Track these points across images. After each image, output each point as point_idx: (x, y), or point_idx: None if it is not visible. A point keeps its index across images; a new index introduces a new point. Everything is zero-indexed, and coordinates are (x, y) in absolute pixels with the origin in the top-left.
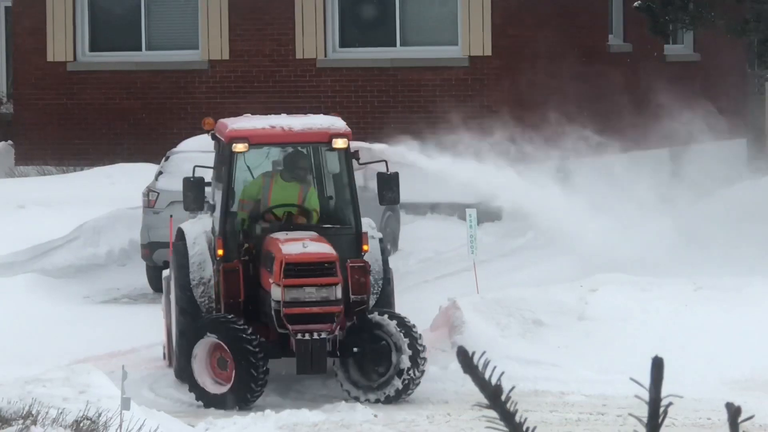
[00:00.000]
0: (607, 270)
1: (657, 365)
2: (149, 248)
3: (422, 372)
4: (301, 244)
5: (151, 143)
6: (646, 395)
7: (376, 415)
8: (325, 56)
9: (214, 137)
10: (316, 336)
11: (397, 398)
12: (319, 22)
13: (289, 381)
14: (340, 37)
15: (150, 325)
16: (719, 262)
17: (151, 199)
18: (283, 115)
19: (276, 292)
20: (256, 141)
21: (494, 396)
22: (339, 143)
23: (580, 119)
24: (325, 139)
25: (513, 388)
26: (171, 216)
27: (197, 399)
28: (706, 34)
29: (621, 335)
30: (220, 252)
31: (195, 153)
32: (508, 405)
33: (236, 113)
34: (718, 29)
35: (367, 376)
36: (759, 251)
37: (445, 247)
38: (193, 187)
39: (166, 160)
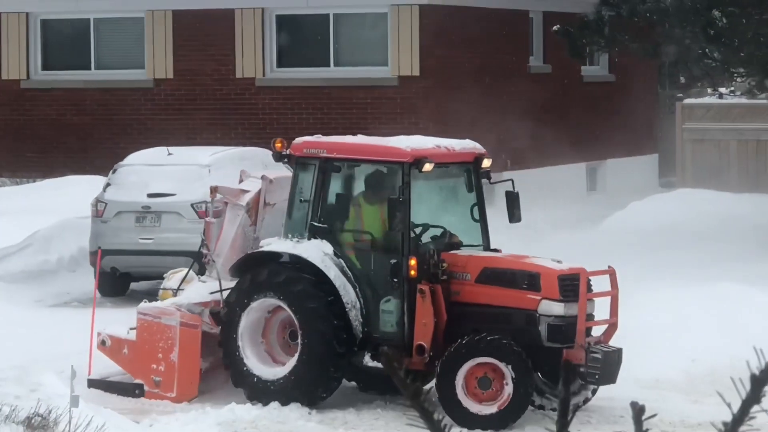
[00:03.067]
0: None
1: (567, 368)
2: (97, 255)
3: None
4: (547, 260)
5: (99, 157)
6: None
7: (310, 412)
8: (264, 75)
9: (281, 158)
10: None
11: (583, 406)
12: (257, 43)
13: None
14: (277, 58)
15: (97, 327)
16: (632, 270)
17: (99, 209)
18: (360, 136)
19: (550, 308)
20: (436, 161)
21: (414, 395)
22: (486, 163)
23: (502, 136)
24: (473, 159)
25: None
26: (99, 248)
27: (456, 421)
28: (621, 56)
29: None
30: (413, 273)
31: (140, 166)
32: (426, 404)
33: (180, 130)
34: (632, 52)
35: (555, 384)
36: (664, 260)
37: None
38: (402, 207)
39: (114, 172)
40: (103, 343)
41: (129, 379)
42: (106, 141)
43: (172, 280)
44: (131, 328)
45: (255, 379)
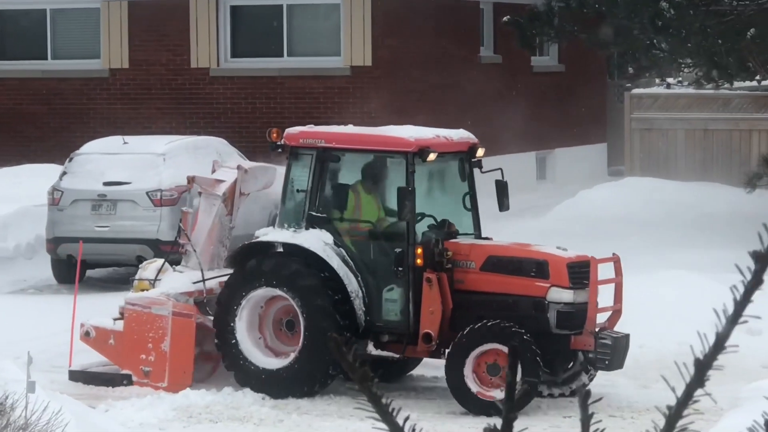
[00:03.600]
0: None
1: (513, 352)
2: (54, 243)
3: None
4: (552, 248)
5: (55, 145)
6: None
7: (264, 398)
8: (218, 66)
9: (276, 147)
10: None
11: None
12: (212, 33)
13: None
14: (231, 48)
15: (54, 314)
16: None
17: (55, 197)
18: (350, 126)
19: (559, 295)
20: (438, 150)
21: (362, 380)
22: (480, 153)
23: (453, 125)
24: (467, 149)
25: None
26: (81, 240)
27: (464, 407)
28: (570, 46)
29: None
30: (419, 261)
31: (96, 155)
32: (374, 389)
33: (135, 119)
34: (581, 42)
35: (553, 370)
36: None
37: None
38: (411, 197)
39: (70, 161)
40: (87, 334)
41: (115, 370)
42: (62, 130)
43: (147, 270)
44: (116, 319)
45: (252, 367)
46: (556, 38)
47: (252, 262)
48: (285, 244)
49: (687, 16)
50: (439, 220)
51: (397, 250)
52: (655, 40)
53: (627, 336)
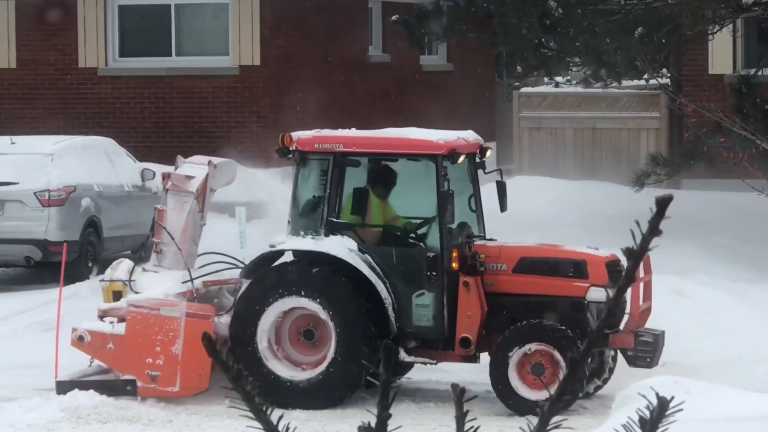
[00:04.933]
0: None
1: (387, 350)
2: None
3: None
4: (583, 247)
5: None
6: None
7: (153, 398)
8: (106, 65)
9: (286, 153)
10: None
11: (593, 394)
12: (100, 33)
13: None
14: (120, 48)
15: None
16: None
17: None
18: (353, 129)
19: (599, 294)
20: (464, 152)
21: (236, 379)
22: (489, 154)
23: (343, 124)
24: (477, 150)
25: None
26: (65, 242)
27: (508, 407)
28: (459, 45)
29: None
30: (455, 265)
31: None
32: (248, 387)
33: (23, 119)
34: (470, 42)
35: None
36: None
37: (216, 242)
38: (451, 200)
39: None
40: (80, 339)
41: (112, 377)
42: None
43: (118, 270)
44: (111, 322)
45: (275, 379)
46: (444, 37)
47: (273, 272)
48: (307, 252)
49: (575, 15)
50: (459, 223)
51: (430, 254)
52: (543, 39)
53: (663, 333)
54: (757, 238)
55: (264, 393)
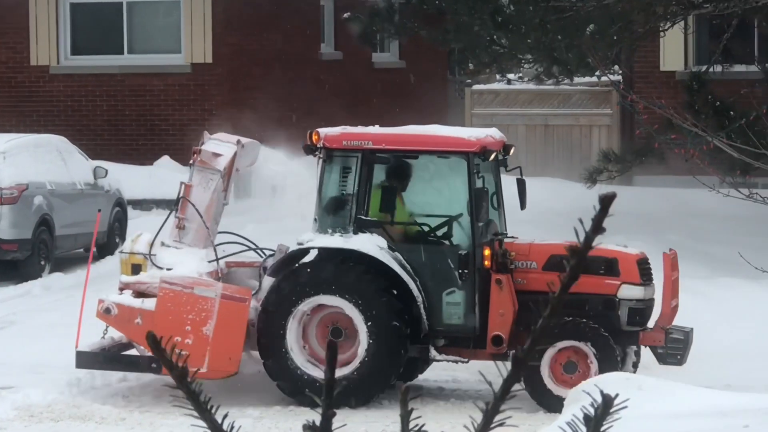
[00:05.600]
0: None
1: (331, 348)
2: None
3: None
4: (613, 245)
5: None
6: None
7: (105, 396)
8: (58, 63)
9: (313, 150)
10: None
11: None
12: (51, 31)
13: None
14: (71, 46)
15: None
16: None
17: None
18: (376, 126)
19: (631, 292)
20: (494, 149)
21: (180, 377)
22: (512, 151)
23: (294, 121)
24: (501, 147)
25: (198, 370)
26: (99, 210)
27: (541, 405)
28: (411, 43)
29: None
30: (487, 263)
31: None
32: (193, 385)
33: None
34: (422, 39)
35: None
36: None
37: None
38: (486, 197)
39: None
40: (107, 311)
41: (133, 352)
42: None
43: (138, 242)
44: (138, 297)
45: (306, 378)
46: (396, 35)
47: (304, 269)
48: (337, 250)
49: (526, 12)
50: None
51: (461, 252)
52: (495, 36)
53: (692, 330)
54: (710, 234)
55: (289, 391)
